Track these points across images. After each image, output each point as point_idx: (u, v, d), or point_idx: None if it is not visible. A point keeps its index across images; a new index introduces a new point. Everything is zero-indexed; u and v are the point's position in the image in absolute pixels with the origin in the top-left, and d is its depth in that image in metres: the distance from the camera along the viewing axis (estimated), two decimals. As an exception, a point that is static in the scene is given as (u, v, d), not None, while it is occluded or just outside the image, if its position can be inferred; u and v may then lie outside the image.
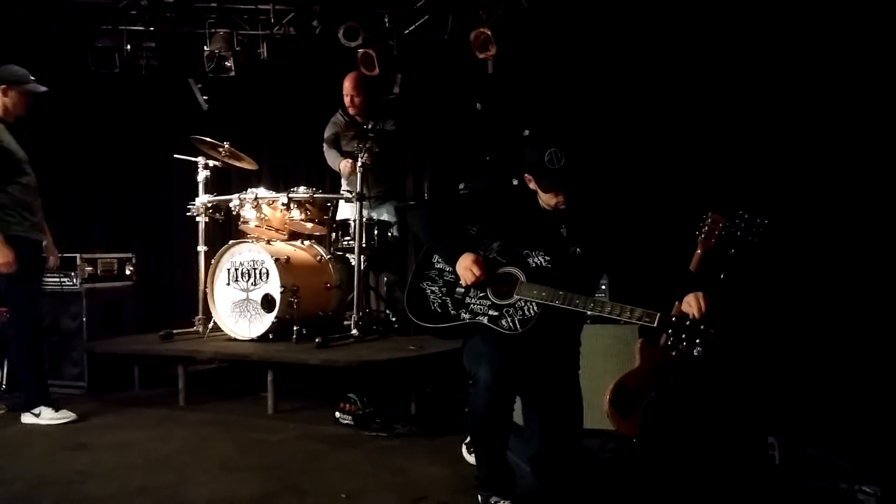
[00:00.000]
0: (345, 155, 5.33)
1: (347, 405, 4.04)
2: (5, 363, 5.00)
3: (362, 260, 4.89)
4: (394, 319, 5.24)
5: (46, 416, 4.08)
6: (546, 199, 2.78)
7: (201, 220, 5.21)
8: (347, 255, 5.22)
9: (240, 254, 4.91)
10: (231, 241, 5.03)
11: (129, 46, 6.12)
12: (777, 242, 3.34)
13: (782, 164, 4.37)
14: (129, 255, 5.65)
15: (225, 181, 6.54)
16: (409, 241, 6.25)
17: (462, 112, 6.08)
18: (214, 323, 4.99)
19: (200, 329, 5.10)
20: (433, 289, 2.86)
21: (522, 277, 2.71)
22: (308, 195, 5.08)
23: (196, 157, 5.23)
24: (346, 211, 5.41)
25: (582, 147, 2.70)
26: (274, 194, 5.12)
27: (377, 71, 5.95)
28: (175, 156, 5.34)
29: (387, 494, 2.95)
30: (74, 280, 5.03)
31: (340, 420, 4.02)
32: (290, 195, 5.05)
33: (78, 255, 5.08)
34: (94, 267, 5.20)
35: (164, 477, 3.18)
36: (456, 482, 3.04)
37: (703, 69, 4.77)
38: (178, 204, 5.76)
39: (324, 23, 6.01)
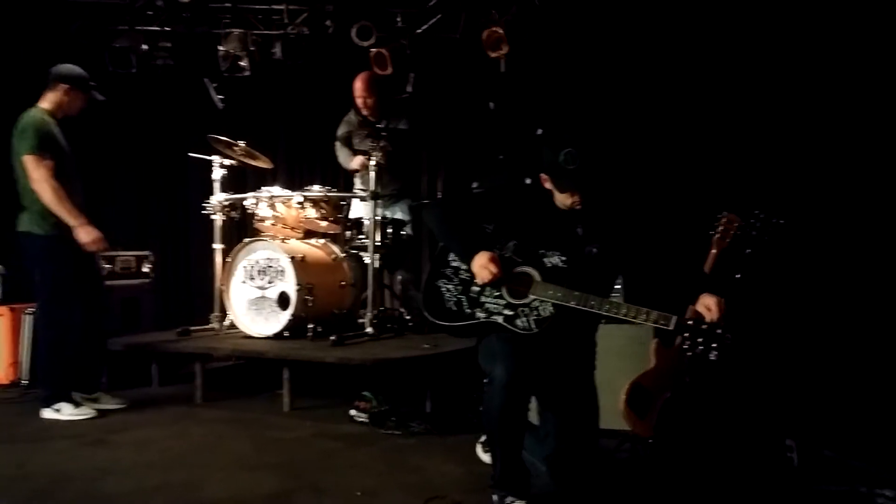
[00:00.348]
0: (357, 154, 5.35)
1: (362, 403, 4.06)
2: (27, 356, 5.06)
3: (376, 258, 4.91)
4: (408, 318, 5.26)
5: (67, 412, 4.12)
6: (561, 199, 2.78)
7: (217, 218, 5.25)
8: (361, 253, 5.24)
9: (255, 252, 4.94)
10: (246, 240, 5.06)
11: (145, 46, 6.17)
12: (793, 242, 3.33)
13: (798, 164, 4.34)
14: (147, 252, 5.70)
15: (240, 180, 6.56)
16: (423, 240, 6.27)
17: (475, 111, 6.09)
18: (231, 320, 5.04)
19: (217, 326, 5.14)
20: (448, 287, 2.87)
21: (538, 277, 2.71)
22: (322, 194, 5.11)
23: (212, 155, 5.27)
24: (360, 209, 5.42)
25: (597, 147, 2.70)
26: (289, 193, 5.15)
27: (390, 70, 5.96)
28: (191, 155, 5.38)
29: (402, 493, 2.96)
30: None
31: (355, 418, 4.04)
32: (305, 194, 5.08)
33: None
34: (112, 264, 5.25)
35: (181, 474, 3.21)
36: (471, 481, 3.05)
37: (718, 68, 4.75)
38: (194, 202, 5.79)
39: (337, 22, 6.04)
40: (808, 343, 3.97)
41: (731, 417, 3.60)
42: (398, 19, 6.06)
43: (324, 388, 4.67)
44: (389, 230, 5.07)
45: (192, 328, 5.10)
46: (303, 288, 4.73)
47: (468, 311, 2.80)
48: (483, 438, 3.28)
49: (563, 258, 2.71)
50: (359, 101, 5.39)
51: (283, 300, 4.81)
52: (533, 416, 2.86)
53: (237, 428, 3.98)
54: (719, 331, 2.39)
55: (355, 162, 5.32)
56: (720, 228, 3.14)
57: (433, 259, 3.00)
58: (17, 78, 6.15)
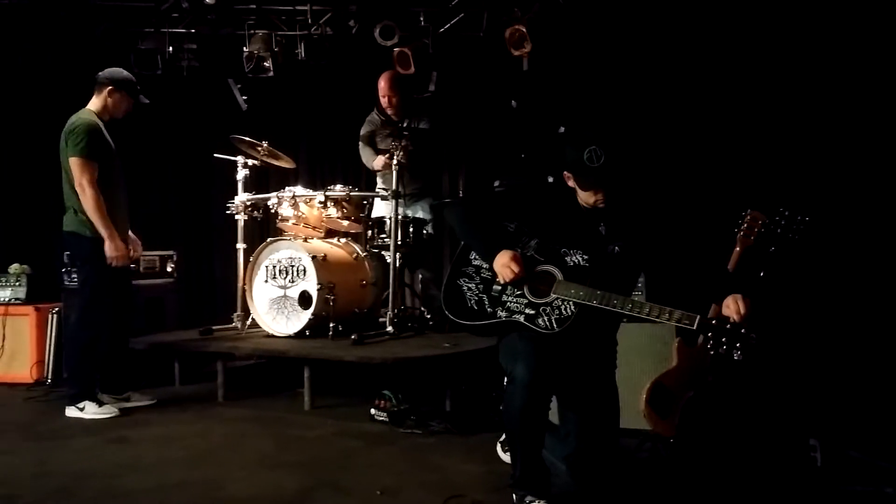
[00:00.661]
0: (380, 153, 5.36)
1: (382, 402, 4.05)
2: (51, 355, 5.13)
3: (398, 257, 4.92)
4: (429, 316, 5.25)
5: (91, 411, 4.16)
6: (585, 198, 2.76)
7: (240, 218, 5.28)
8: (383, 252, 5.25)
9: (278, 251, 4.97)
10: (269, 239, 5.09)
11: (170, 48, 6.22)
12: (818, 240, 3.27)
13: (824, 161, 4.28)
14: (171, 252, 5.74)
15: (263, 180, 6.61)
16: (444, 239, 6.26)
17: (497, 109, 6.07)
18: (253, 319, 5.07)
19: (239, 326, 5.17)
20: (470, 286, 2.86)
21: (560, 276, 2.69)
22: (344, 193, 5.12)
23: (235, 156, 5.31)
24: (382, 209, 5.44)
25: (621, 145, 2.68)
26: (311, 192, 5.18)
27: (413, 69, 5.96)
28: (215, 155, 5.42)
29: (422, 492, 2.96)
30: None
31: (376, 417, 4.04)
32: (327, 193, 5.10)
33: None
34: (136, 264, 5.29)
35: (203, 472, 3.23)
36: (491, 480, 3.03)
37: (742, 64, 4.69)
38: (217, 202, 5.83)
39: (360, 22, 6.05)
40: (833, 342, 3.91)
41: (754, 417, 3.55)
42: (421, 18, 6.06)
43: (344, 387, 4.68)
44: (411, 229, 5.07)
45: (215, 327, 5.15)
46: (324, 287, 4.74)
47: (489, 310, 2.78)
48: (503, 438, 3.26)
49: (586, 257, 2.68)
50: (383, 100, 5.40)
51: (304, 299, 4.82)
52: (553, 416, 2.84)
53: (258, 426, 4.01)
54: (744, 330, 2.36)
55: (378, 162, 5.33)
56: (744, 226, 3.10)
57: (454, 258, 2.99)
58: (45, 81, 6.29)
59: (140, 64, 6.19)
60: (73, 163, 4.06)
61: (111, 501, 2.90)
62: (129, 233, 4.44)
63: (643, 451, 3.28)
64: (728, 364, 2.95)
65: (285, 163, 5.47)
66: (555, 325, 2.62)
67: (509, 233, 2.84)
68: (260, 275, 5.00)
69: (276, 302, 4.93)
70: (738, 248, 3.09)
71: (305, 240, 5.07)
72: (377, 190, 5.52)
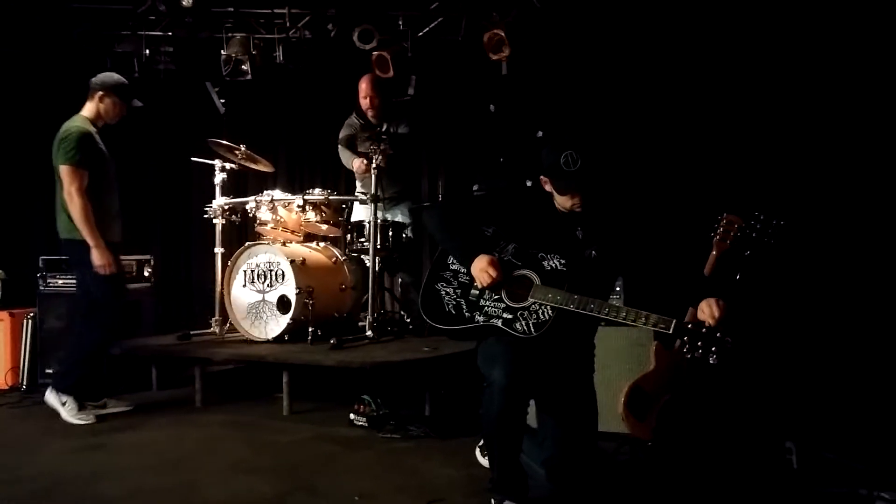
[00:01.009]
0: (359, 156, 5.34)
1: (361, 406, 4.04)
2: (26, 361, 5.06)
3: (377, 261, 4.91)
4: (408, 321, 5.25)
5: (67, 411, 4.12)
6: (562, 202, 2.77)
7: (218, 222, 5.24)
8: (362, 256, 5.24)
9: (256, 255, 4.93)
10: (247, 243, 5.06)
11: (147, 51, 6.18)
12: (793, 244, 3.31)
13: (798, 165, 4.33)
14: (148, 256, 5.69)
15: (242, 183, 6.58)
16: (424, 243, 6.26)
17: (476, 113, 6.08)
18: (231, 324, 5.03)
19: (217, 330, 5.13)
20: (448, 290, 2.86)
21: (537, 280, 2.70)
22: (323, 197, 5.11)
23: (213, 159, 5.27)
24: (361, 212, 5.43)
25: (597, 149, 2.69)
26: (289, 196, 5.15)
27: (392, 73, 5.96)
28: (192, 158, 5.38)
29: (400, 496, 2.95)
30: (93, 281, 5.07)
31: (355, 421, 4.02)
32: (306, 197, 5.08)
33: (96, 257, 5.11)
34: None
35: (179, 477, 3.20)
36: (469, 484, 3.03)
37: (718, 70, 4.74)
38: (195, 206, 5.79)
39: (339, 26, 6.04)
40: (808, 345, 3.95)
41: (731, 420, 3.58)
42: (400, 22, 6.06)
43: (323, 392, 4.67)
44: (390, 233, 5.06)
45: (193, 332, 5.10)
46: (303, 291, 4.72)
47: (467, 314, 2.78)
48: (482, 442, 3.26)
49: (563, 261, 2.69)
50: (364, 102, 5.38)
51: (283, 304, 4.80)
52: (531, 420, 2.85)
53: (236, 431, 3.97)
54: (719, 334, 2.37)
55: (356, 164, 5.32)
56: (720, 230, 3.13)
57: (432, 262, 2.99)
58: (20, 84, 6.21)
59: (116, 67, 6.11)
60: (63, 171, 4.03)
61: (86, 509, 2.87)
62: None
63: (621, 454, 3.29)
64: (705, 367, 2.98)
65: (264, 166, 5.44)
66: (532, 330, 2.63)
67: (487, 237, 2.85)
68: (238, 279, 4.97)
69: (254, 306, 4.90)
70: (714, 252, 3.12)
71: (284, 244, 5.04)
72: (356, 194, 5.51)
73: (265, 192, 5.23)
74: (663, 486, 3.09)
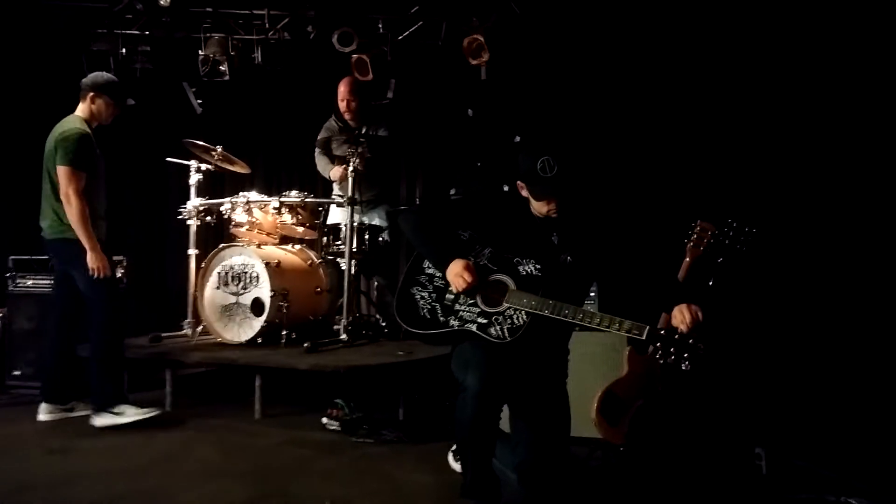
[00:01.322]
0: (336, 160, 5.32)
1: (335, 411, 4.02)
2: None
3: (353, 264, 4.89)
4: (384, 324, 5.23)
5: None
6: (538, 207, 2.78)
7: (193, 223, 5.20)
8: (338, 259, 5.21)
9: (230, 257, 4.89)
10: (222, 245, 5.01)
11: (124, 50, 6.12)
12: (765, 251, 3.34)
13: (770, 174, 4.38)
14: (121, 257, 5.60)
15: (218, 185, 6.53)
16: (401, 246, 6.24)
17: (455, 118, 6.09)
18: (204, 327, 4.98)
19: (189, 333, 5.08)
20: (423, 294, 2.86)
21: (512, 285, 2.70)
22: (299, 199, 5.08)
23: (189, 160, 5.23)
24: (338, 215, 5.40)
25: (574, 155, 2.70)
26: (265, 198, 5.12)
27: (371, 76, 5.95)
28: (168, 159, 5.33)
29: (372, 501, 2.93)
30: (64, 282, 5.00)
31: (327, 426, 4.00)
32: (282, 199, 5.05)
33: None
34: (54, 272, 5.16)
35: (149, 482, 3.16)
36: (442, 489, 3.02)
37: (693, 79, 4.79)
38: (170, 207, 5.74)
39: (318, 28, 6.02)
40: (780, 351, 3.99)
41: (702, 425, 3.61)
42: (379, 26, 6.05)
43: (297, 395, 4.63)
44: (367, 236, 5.05)
45: (164, 334, 5.05)
46: (277, 294, 4.69)
47: (442, 318, 2.78)
48: (455, 447, 3.25)
49: (538, 266, 2.70)
50: (342, 104, 5.36)
51: (257, 306, 4.76)
52: (504, 425, 2.85)
53: (207, 435, 3.93)
54: (692, 341, 2.39)
55: (334, 173, 5.29)
56: (694, 237, 3.15)
57: (408, 266, 2.98)
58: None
59: (92, 66, 6.06)
60: (62, 172, 3.98)
61: (52, 514, 2.82)
62: None
63: (594, 459, 3.30)
64: (677, 373, 2.99)
65: (240, 168, 5.40)
66: (507, 335, 2.63)
67: (463, 241, 2.84)
68: (212, 281, 4.92)
69: (227, 309, 4.86)
70: (687, 259, 3.14)
71: (259, 246, 5.00)
72: (333, 196, 5.48)
73: (241, 193, 5.19)
74: (635, 491, 3.10)
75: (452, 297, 2.79)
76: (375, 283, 5.68)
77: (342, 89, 5.36)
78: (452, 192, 5.45)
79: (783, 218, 4.14)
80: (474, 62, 5.77)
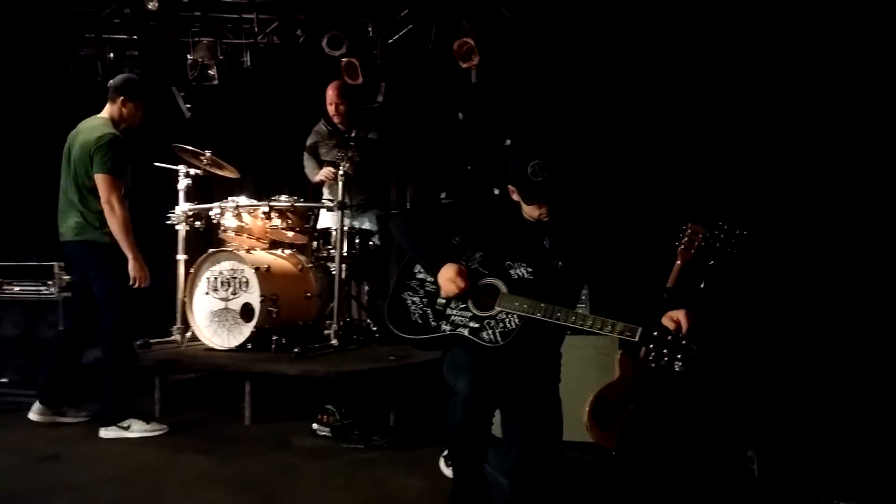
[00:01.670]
0: (324, 164, 5.31)
1: (325, 416, 3.99)
2: None
3: (343, 269, 4.86)
4: (374, 329, 5.22)
5: (137, 429, 3.98)
6: (529, 211, 2.77)
7: (181, 228, 5.17)
8: (329, 263, 5.19)
9: (219, 262, 4.86)
10: (211, 250, 4.98)
11: (111, 55, 6.07)
12: (756, 254, 3.34)
13: (760, 177, 4.39)
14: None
15: (208, 189, 6.48)
16: (391, 250, 6.22)
17: (445, 121, 6.08)
18: (193, 332, 4.94)
19: (178, 338, 5.04)
20: (414, 299, 2.84)
21: (504, 289, 2.69)
22: (289, 204, 5.05)
23: (177, 164, 5.19)
24: (328, 219, 5.38)
25: (565, 159, 2.69)
26: (255, 203, 5.09)
27: (361, 80, 5.93)
28: (156, 164, 5.30)
29: (363, 507, 2.92)
30: (52, 289, 4.95)
31: (318, 432, 3.98)
32: (271, 204, 5.03)
33: (56, 264, 4.99)
34: (72, 275, 5.11)
35: (138, 490, 3.13)
36: (433, 495, 3.01)
37: (684, 81, 4.79)
38: (158, 212, 5.69)
39: (308, 32, 6.00)
40: (771, 354, 3.99)
41: (694, 429, 3.60)
42: (369, 29, 6.03)
43: (287, 401, 4.61)
44: (357, 240, 5.03)
45: (153, 340, 5.02)
46: (267, 299, 4.66)
47: (433, 323, 2.76)
48: (446, 452, 3.24)
49: (530, 269, 2.69)
50: (331, 108, 5.35)
51: (246, 312, 4.73)
52: (496, 430, 2.83)
53: (196, 442, 3.90)
54: (685, 342, 2.38)
55: (318, 176, 5.28)
56: (685, 240, 3.14)
57: (399, 271, 2.96)
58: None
59: (80, 70, 6.03)
60: (102, 180, 3.95)
61: (38, 523, 2.79)
62: None
63: (585, 463, 3.29)
64: (668, 377, 2.99)
65: (229, 172, 5.38)
66: (499, 339, 2.61)
67: (454, 245, 2.83)
68: (201, 286, 4.89)
69: (217, 314, 4.82)
70: (678, 262, 3.13)
71: (248, 251, 4.98)
72: (323, 201, 5.46)
73: (230, 198, 5.17)
74: (627, 495, 3.09)
75: (444, 301, 2.77)
76: (366, 288, 5.66)
77: (330, 94, 5.36)
78: (443, 195, 5.44)
79: (774, 220, 4.14)
80: (464, 65, 5.76)
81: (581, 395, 3.08)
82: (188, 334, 4.99)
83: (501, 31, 5.67)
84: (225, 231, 5.13)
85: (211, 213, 5.14)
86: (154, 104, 6.53)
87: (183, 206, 5.15)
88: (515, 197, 2.77)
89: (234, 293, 4.78)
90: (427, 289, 2.83)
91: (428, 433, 3.86)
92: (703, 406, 3.70)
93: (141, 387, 4.76)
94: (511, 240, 2.78)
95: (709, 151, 4.62)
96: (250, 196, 5.48)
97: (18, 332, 4.93)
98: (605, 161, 4.98)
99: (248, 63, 6.09)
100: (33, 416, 4.17)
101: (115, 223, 3.98)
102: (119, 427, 3.96)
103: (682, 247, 3.14)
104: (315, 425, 4.00)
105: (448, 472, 3.15)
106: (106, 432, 3.96)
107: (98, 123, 4.11)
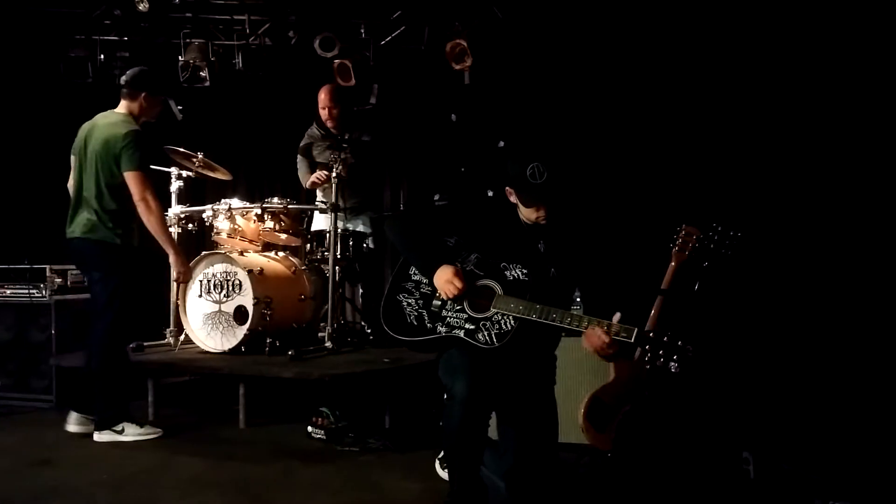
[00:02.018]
0: (317, 166, 5.30)
1: (320, 419, 3.98)
2: None
3: (337, 271, 4.85)
4: (369, 331, 5.20)
5: (131, 433, 3.94)
6: (526, 214, 2.77)
7: (174, 230, 5.12)
8: (322, 266, 5.18)
9: (212, 265, 4.85)
10: (204, 253, 4.96)
11: (102, 56, 6.04)
12: (750, 255, 3.35)
13: (754, 178, 4.40)
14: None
15: (200, 192, 6.47)
16: (386, 252, 6.22)
17: (438, 123, 6.08)
18: (186, 335, 4.92)
19: (172, 342, 5.02)
20: (409, 301, 2.83)
21: (500, 290, 2.69)
22: (282, 206, 5.04)
23: (169, 167, 5.17)
24: (322, 222, 5.37)
25: (563, 161, 2.69)
26: (248, 205, 5.08)
27: (353, 81, 5.92)
28: (148, 166, 5.26)
29: (359, 510, 2.91)
30: (44, 292, 4.93)
31: (313, 434, 3.96)
32: (264, 206, 5.01)
33: (47, 267, 4.98)
34: (63, 279, 5.08)
35: (132, 494, 3.11)
36: (429, 498, 3.00)
37: (678, 83, 4.80)
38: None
39: (300, 33, 5.98)
40: (766, 356, 4.00)
41: (689, 430, 3.61)
42: (362, 30, 6.01)
43: (281, 404, 4.60)
44: (351, 243, 5.02)
45: (146, 343, 4.98)
46: (260, 302, 4.64)
47: (429, 325, 2.76)
48: (442, 454, 3.23)
49: (525, 271, 2.69)
50: (323, 112, 5.34)
51: (240, 314, 4.72)
52: (493, 432, 2.83)
53: (190, 445, 3.88)
54: (681, 343, 2.38)
55: (310, 181, 5.27)
56: (679, 241, 3.14)
57: (394, 273, 2.96)
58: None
59: (70, 72, 6.00)
60: (134, 177, 3.89)
61: (31, 528, 2.78)
62: None
63: (581, 465, 3.29)
64: (664, 378, 2.99)
65: (222, 174, 5.36)
66: (495, 340, 2.61)
67: (449, 247, 2.82)
68: (194, 289, 4.87)
69: (210, 317, 4.81)
70: (673, 263, 3.14)
71: (241, 253, 4.96)
72: (317, 203, 5.45)
73: (223, 200, 5.15)
74: (623, 497, 3.10)
75: (439, 303, 2.77)
76: (360, 290, 5.65)
77: (322, 97, 5.34)
78: (437, 197, 5.45)
79: (768, 222, 4.16)
80: (457, 67, 5.75)
81: (576, 396, 3.09)
82: (182, 337, 4.97)
83: (494, 33, 5.67)
84: (218, 233, 5.11)
85: (203, 215, 5.13)
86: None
87: (175, 209, 5.13)
88: (513, 199, 2.77)
89: (227, 296, 4.76)
90: (422, 290, 2.83)
91: (423, 435, 3.86)
92: (698, 407, 3.70)
93: (134, 390, 4.76)
94: (506, 241, 2.77)
95: (702, 153, 4.63)
96: (243, 198, 5.47)
97: (10, 335, 4.91)
98: (599, 163, 4.99)
99: (240, 64, 6.07)
100: (73, 427, 4.06)
101: (152, 220, 3.93)
102: (113, 431, 3.93)
103: (677, 248, 3.14)
104: (310, 428, 3.99)
105: (444, 474, 3.14)
106: (100, 436, 3.93)
107: (118, 119, 4.05)
